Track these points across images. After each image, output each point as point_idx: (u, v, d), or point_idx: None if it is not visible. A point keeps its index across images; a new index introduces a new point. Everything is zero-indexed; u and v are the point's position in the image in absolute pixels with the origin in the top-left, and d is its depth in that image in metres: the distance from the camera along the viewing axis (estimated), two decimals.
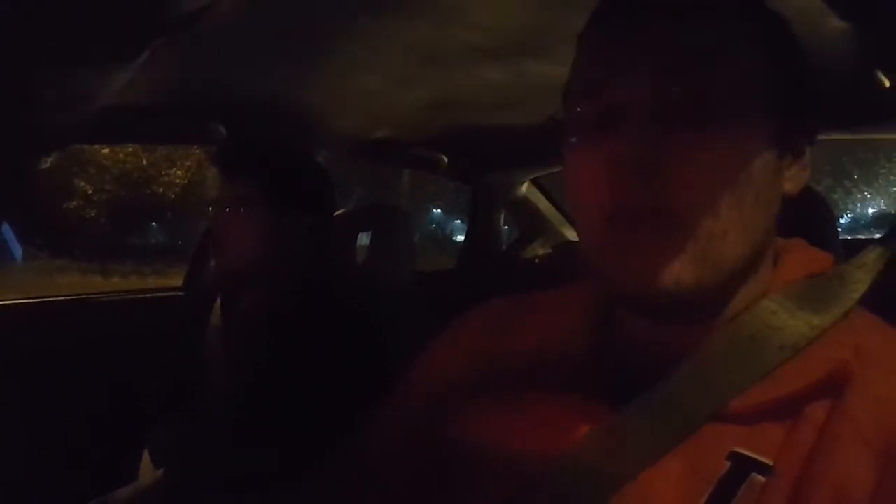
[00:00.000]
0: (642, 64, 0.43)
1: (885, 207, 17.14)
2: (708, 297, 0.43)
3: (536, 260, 2.02)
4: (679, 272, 0.41)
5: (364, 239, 1.61)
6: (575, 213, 0.47)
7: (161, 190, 13.63)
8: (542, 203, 2.04)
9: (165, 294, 1.82)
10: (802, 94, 0.46)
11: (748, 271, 0.45)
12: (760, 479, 0.40)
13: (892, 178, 16.96)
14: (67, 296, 1.65)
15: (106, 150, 12.86)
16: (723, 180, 0.41)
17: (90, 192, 13.38)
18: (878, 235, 0.51)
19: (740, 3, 0.45)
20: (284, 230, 1.09)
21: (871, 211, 17.77)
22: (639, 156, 0.41)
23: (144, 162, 13.55)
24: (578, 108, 0.45)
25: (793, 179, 0.46)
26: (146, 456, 1.32)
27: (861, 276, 0.46)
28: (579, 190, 0.45)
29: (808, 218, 0.46)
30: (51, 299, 1.60)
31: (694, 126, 0.41)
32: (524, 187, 2.00)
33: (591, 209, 0.44)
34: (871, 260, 0.47)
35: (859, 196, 17.44)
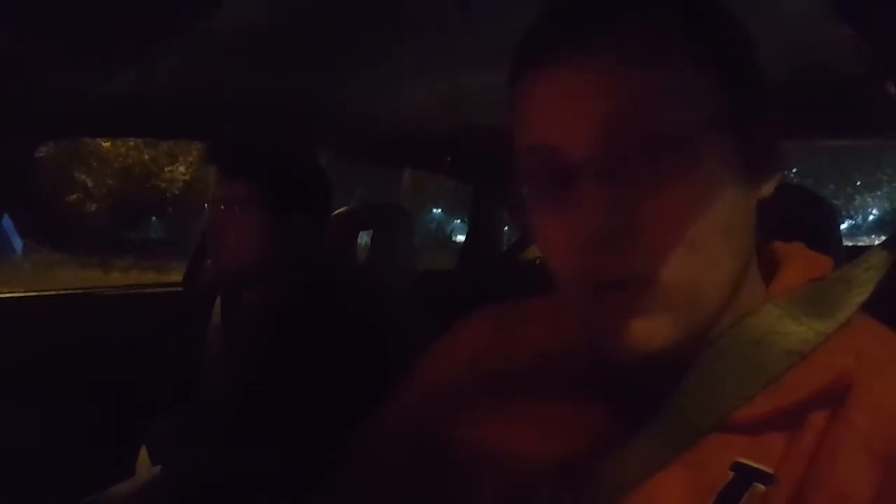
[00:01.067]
0: (586, 121, 0.40)
1: (887, 213, 17.13)
2: (696, 334, 0.43)
3: (537, 261, 2.02)
4: (659, 333, 0.41)
5: (365, 238, 1.61)
6: (551, 267, 0.45)
7: (162, 185, 13.62)
8: None
9: (165, 290, 1.82)
10: (765, 105, 0.44)
11: (733, 294, 0.44)
12: (762, 488, 0.40)
13: (894, 184, 16.94)
14: (67, 290, 1.65)
15: (107, 144, 12.86)
16: (688, 229, 0.40)
17: (91, 185, 13.38)
18: (879, 241, 0.51)
19: (690, 33, 0.41)
20: (281, 229, 1.08)
21: (873, 217, 17.77)
22: (598, 227, 0.39)
23: (146, 157, 13.53)
24: (526, 166, 0.44)
25: (767, 186, 0.45)
26: (143, 452, 1.33)
27: (864, 281, 0.46)
28: (552, 261, 0.44)
29: (811, 223, 0.46)
30: (50, 293, 1.60)
31: (651, 180, 0.39)
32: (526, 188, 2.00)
33: (568, 283, 0.43)
34: (874, 264, 0.47)
35: (862, 202, 17.43)
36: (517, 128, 0.45)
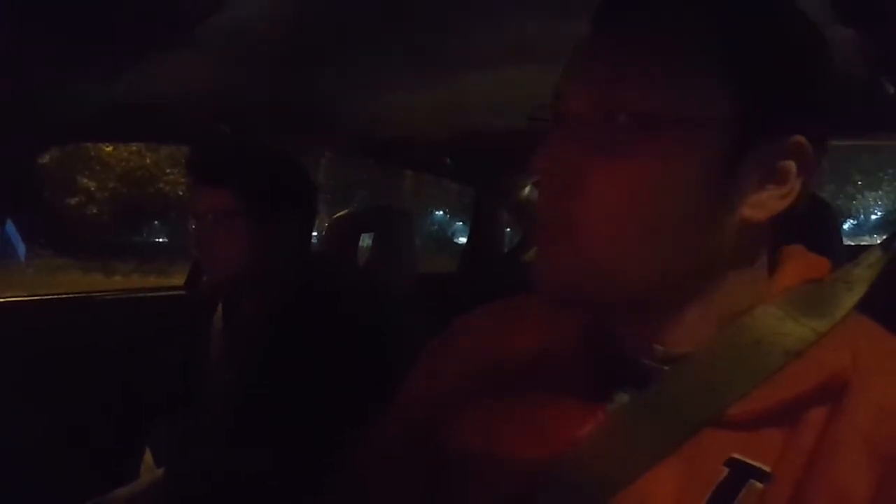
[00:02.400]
0: (583, 81, 0.44)
1: (888, 212, 17.12)
2: (629, 303, 0.45)
3: None
4: (571, 278, 0.44)
5: (366, 240, 1.61)
6: None
7: (164, 189, 13.65)
8: None
9: (167, 293, 1.82)
10: (781, 120, 0.43)
11: (705, 280, 0.45)
12: (759, 485, 0.40)
13: (895, 183, 16.93)
14: (69, 294, 1.66)
15: (109, 149, 12.90)
16: (636, 199, 0.42)
17: (93, 189, 13.42)
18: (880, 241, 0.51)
19: (704, 28, 0.42)
20: (271, 234, 1.06)
21: (874, 217, 17.76)
22: (557, 167, 0.44)
23: (148, 160, 13.57)
24: (550, 115, 0.47)
25: (758, 207, 0.44)
26: (148, 454, 1.33)
27: (862, 280, 0.46)
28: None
29: (811, 223, 0.46)
30: (52, 297, 1.61)
31: (609, 147, 0.42)
32: (527, 190, 2.00)
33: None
34: (872, 264, 0.47)
35: (862, 201, 17.42)
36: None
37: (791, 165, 0.43)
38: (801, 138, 0.43)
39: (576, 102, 0.44)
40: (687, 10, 0.43)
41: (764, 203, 0.44)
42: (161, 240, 15.59)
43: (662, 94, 0.42)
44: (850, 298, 0.45)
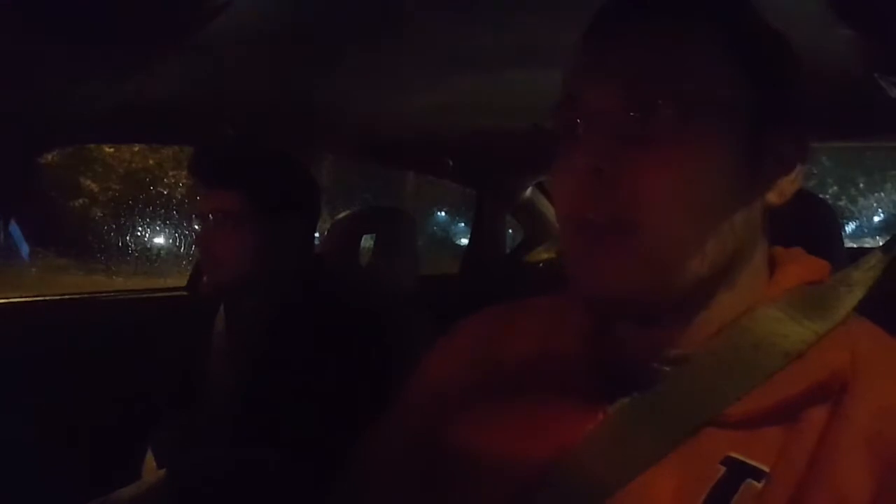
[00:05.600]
0: (611, 77, 0.44)
1: (891, 214, 17.07)
2: (672, 302, 0.44)
3: (540, 264, 2.02)
4: (633, 281, 0.43)
5: (368, 241, 1.61)
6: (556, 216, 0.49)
7: (167, 190, 13.66)
8: (547, 208, 2.04)
9: (170, 294, 1.82)
10: (788, 109, 0.46)
11: (722, 278, 0.45)
12: (756, 485, 0.40)
13: None
14: (72, 294, 1.66)
15: (112, 150, 12.90)
16: (681, 195, 0.42)
17: (96, 190, 13.43)
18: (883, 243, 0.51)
19: (722, 19, 0.45)
20: (274, 235, 1.06)
21: (876, 218, 17.71)
22: (599, 169, 0.42)
23: (151, 162, 13.57)
24: (557, 118, 0.47)
25: (778, 191, 0.46)
26: (150, 455, 1.33)
27: (862, 283, 0.46)
28: (554, 199, 0.48)
29: (812, 225, 0.46)
30: (55, 298, 1.61)
31: (656, 140, 0.42)
32: (529, 192, 2.00)
33: (562, 220, 0.46)
34: (872, 266, 0.47)
35: (865, 203, 17.38)
36: (563, 79, 0.48)
37: (794, 152, 0.46)
38: (800, 125, 0.46)
39: (604, 100, 0.44)
40: (686, 5, 0.45)
41: (782, 188, 0.46)
42: (163, 241, 15.62)
43: (695, 81, 0.43)
44: (850, 300, 0.45)
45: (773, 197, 0.46)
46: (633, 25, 0.45)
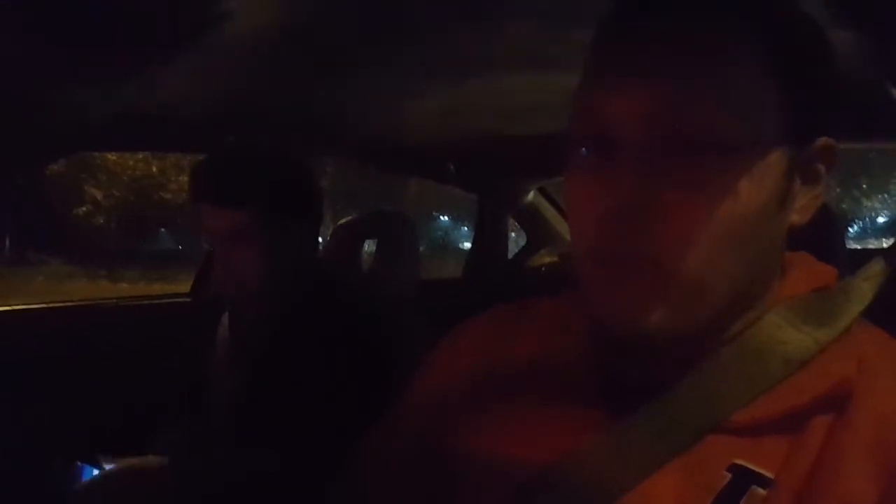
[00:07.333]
0: (639, 96, 0.41)
1: (894, 216, 17.03)
2: (696, 332, 0.43)
3: (543, 268, 2.02)
4: (661, 317, 0.41)
5: (370, 246, 1.61)
6: (571, 236, 0.47)
7: (170, 196, 13.71)
8: (549, 211, 2.04)
9: (173, 300, 1.83)
10: (824, 124, 0.44)
11: (744, 299, 0.44)
12: (761, 492, 0.40)
13: None
14: (76, 301, 1.66)
15: (115, 157, 12.96)
16: (715, 232, 0.40)
17: (100, 198, 13.49)
18: (886, 244, 0.51)
19: (750, 25, 0.42)
20: (280, 245, 1.05)
21: (880, 220, 17.66)
22: (626, 203, 0.40)
23: (154, 168, 13.64)
24: (576, 129, 0.44)
25: (802, 210, 0.44)
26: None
27: (866, 290, 0.46)
28: (574, 229, 0.45)
29: (815, 227, 0.46)
30: (59, 305, 1.61)
31: (693, 176, 0.40)
32: (531, 195, 2.00)
33: (583, 251, 0.44)
34: (876, 273, 0.47)
35: (868, 205, 17.33)
36: (579, 88, 0.45)
37: (821, 167, 0.45)
38: (829, 139, 0.44)
39: (630, 128, 0.41)
40: (722, 16, 0.42)
41: (806, 206, 0.45)
42: (167, 247, 15.65)
43: (728, 108, 0.40)
44: (853, 308, 0.45)
45: (797, 217, 0.44)
46: (665, 34, 0.41)
